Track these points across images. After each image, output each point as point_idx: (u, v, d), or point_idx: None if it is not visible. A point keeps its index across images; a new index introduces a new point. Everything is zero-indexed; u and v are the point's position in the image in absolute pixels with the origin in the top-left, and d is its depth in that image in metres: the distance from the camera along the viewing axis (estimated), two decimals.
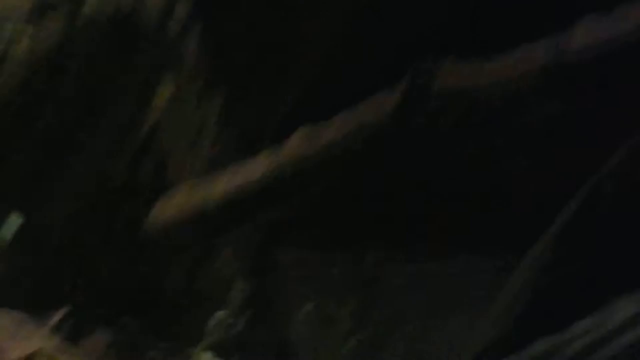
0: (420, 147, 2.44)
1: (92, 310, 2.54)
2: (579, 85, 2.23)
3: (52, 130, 2.35)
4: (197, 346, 2.62)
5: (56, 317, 2.48)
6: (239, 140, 2.62)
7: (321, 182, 2.48)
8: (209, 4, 2.57)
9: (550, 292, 2.22)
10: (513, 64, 2.36)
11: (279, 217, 2.52)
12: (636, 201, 2.16)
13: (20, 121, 2.33)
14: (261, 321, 2.79)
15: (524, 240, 2.32)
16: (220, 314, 2.73)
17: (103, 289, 2.56)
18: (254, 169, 2.46)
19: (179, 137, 2.54)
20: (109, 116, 2.39)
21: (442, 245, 2.88)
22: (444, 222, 2.86)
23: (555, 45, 2.23)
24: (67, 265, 2.49)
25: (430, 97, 2.37)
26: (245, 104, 2.61)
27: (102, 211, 2.46)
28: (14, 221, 2.43)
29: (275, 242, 2.81)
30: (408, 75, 2.40)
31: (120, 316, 2.57)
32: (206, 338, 2.66)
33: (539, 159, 2.85)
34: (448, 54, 2.40)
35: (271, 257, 2.83)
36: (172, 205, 2.47)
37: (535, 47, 2.33)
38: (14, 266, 2.47)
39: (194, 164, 2.55)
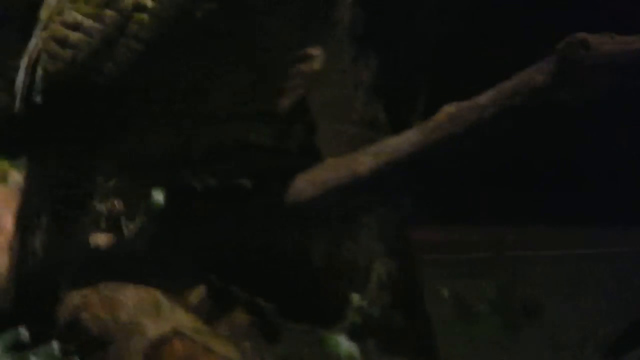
0: (569, 124, 2.41)
1: (229, 290, 2.52)
2: None
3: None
4: (333, 329, 2.59)
5: (194, 296, 2.45)
6: (386, 114, 2.59)
7: (467, 160, 2.43)
8: None
9: None
10: None
11: (420, 195, 2.48)
12: None
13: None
14: (398, 305, 2.75)
15: None
16: (356, 298, 2.69)
17: (241, 269, 2.54)
18: (401, 145, 2.42)
19: (328, 108, 2.52)
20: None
21: (577, 227, 2.86)
22: (580, 205, 2.83)
23: None
24: (205, 242, 2.47)
25: (583, 69, 2.33)
26: (392, 77, 2.58)
27: (244, 186, 2.44)
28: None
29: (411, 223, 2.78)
30: (559, 48, 2.35)
31: (258, 297, 2.55)
32: (342, 321, 2.62)
33: None
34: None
35: (408, 240, 2.80)
36: (317, 180, 2.44)
37: None
38: (156, 242, 2.47)
39: (341, 136, 2.53)
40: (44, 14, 2.46)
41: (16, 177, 2.67)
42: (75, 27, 2.38)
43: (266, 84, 2.49)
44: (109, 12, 2.37)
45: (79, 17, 2.38)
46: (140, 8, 2.36)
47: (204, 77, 2.41)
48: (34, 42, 2.43)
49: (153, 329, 2.30)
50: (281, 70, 2.50)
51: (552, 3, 3.48)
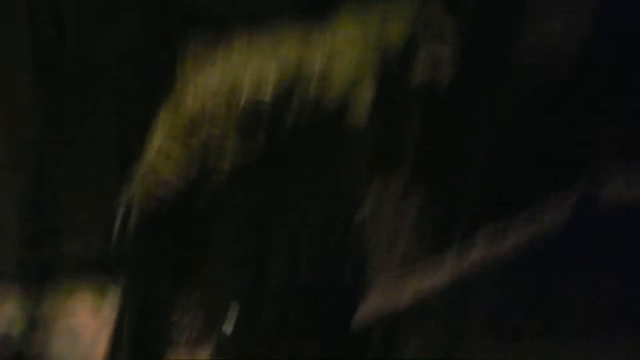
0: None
1: None
2: None
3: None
4: None
5: None
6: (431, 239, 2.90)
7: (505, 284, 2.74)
8: None
9: None
10: None
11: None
12: None
13: None
14: None
15: None
16: None
17: None
18: (442, 269, 2.73)
19: (380, 234, 2.83)
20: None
21: None
22: None
23: None
24: None
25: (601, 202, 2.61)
26: (438, 205, 2.89)
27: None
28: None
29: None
30: (583, 178, 2.65)
31: None
32: None
33: None
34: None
35: None
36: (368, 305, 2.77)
37: None
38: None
39: (390, 261, 2.84)
40: (141, 166, 2.82)
41: (112, 293, 3.02)
42: (164, 184, 2.74)
43: (331, 221, 2.81)
44: (192, 171, 2.73)
45: (167, 175, 2.74)
46: (221, 159, 2.71)
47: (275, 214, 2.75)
48: (132, 186, 2.79)
49: None
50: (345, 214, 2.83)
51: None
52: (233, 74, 2.79)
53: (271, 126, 2.72)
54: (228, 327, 2.82)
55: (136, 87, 2.81)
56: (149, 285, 2.74)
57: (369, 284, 2.83)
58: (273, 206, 2.74)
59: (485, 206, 3.00)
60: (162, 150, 2.76)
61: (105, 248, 2.86)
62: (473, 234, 2.77)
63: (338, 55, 2.81)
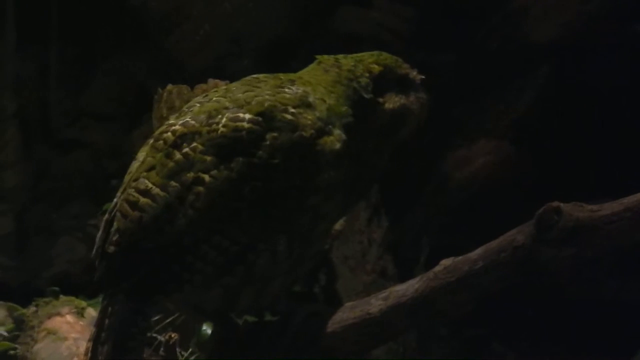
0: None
1: None
2: None
3: None
4: None
5: None
6: (394, 264, 3.09)
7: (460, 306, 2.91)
8: None
9: None
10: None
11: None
12: None
13: None
14: None
15: None
16: None
17: None
18: (407, 292, 2.91)
19: (347, 259, 3.01)
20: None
21: None
22: None
23: None
24: None
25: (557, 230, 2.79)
26: (401, 233, 3.09)
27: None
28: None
29: None
30: (538, 213, 2.83)
31: None
32: None
33: None
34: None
35: None
36: (336, 319, 2.93)
37: None
38: None
39: (357, 283, 3.02)
40: (125, 178, 2.97)
41: (92, 313, 3.16)
42: (145, 193, 2.86)
43: (303, 250, 2.95)
44: (173, 183, 2.85)
45: (149, 185, 2.86)
46: (199, 182, 2.83)
47: (247, 241, 2.86)
48: (114, 202, 2.94)
49: None
50: (317, 239, 2.99)
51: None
52: (213, 102, 2.96)
53: (247, 153, 2.86)
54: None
55: None
56: (128, 301, 2.84)
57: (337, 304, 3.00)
58: (248, 228, 2.86)
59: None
60: (145, 162, 2.92)
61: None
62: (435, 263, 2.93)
63: (312, 86, 2.99)
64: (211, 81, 3.61)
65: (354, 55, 3.09)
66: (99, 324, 2.87)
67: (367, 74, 3.03)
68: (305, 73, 3.09)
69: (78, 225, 4.71)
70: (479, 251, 2.90)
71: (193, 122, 2.92)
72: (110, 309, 2.86)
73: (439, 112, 3.16)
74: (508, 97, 4.52)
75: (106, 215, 2.95)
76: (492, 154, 4.42)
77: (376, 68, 3.06)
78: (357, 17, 4.76)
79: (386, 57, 3.10)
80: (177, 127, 2.93)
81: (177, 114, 3.04)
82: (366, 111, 3.01)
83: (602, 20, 4.47)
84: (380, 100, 3.04)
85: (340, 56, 3.10)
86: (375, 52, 3.11)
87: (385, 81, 3.06)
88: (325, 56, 3.11)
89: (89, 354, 2.85)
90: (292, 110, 2.91)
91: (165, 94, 3.65)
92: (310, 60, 3.10)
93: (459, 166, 4.20)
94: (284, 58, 4.35)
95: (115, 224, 2.89)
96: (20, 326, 3.57)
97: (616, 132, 4.38)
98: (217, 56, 4.68)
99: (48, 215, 4.89)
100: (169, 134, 2.93)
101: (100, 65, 5.09)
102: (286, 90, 2.95)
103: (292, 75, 3.06)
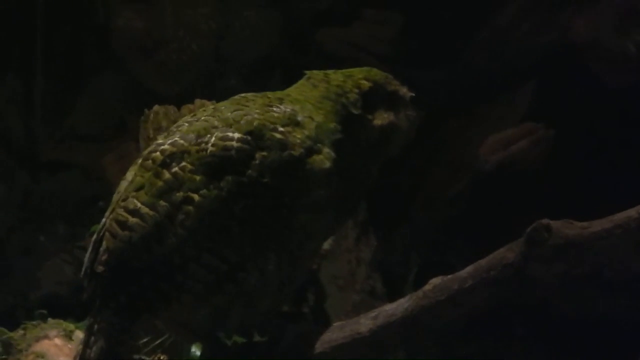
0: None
1: None
2: None
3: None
4: None
5: None
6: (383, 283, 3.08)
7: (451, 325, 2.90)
8: None
9: None
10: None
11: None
12: None
13: None
14: None
15: None
16: None
17: None
18: (396, 311, 2.90)
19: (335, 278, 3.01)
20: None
21: None
22: None
23: None
24: None
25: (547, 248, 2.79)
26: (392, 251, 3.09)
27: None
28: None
29: None
30: (527, 231, 2.83)
31: None
32: None
33: None
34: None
35: None
36: (325, 339, 2.92)
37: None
38: None
39: (346, 303, 3.01)
40: (114, 197, 2.96)
41: (80, 335, 3.14)
42: (134, 212, 2.85)
43: (293, 267, 2.94)
44: (162, 203, 2.84)
45: (138, 205, 2.85)
46: (188, 201, 2.82)
47: (237, 260, 2.85)
48: (103, 222, 2.93)
49: None
50: (306, 258, 2.98)
51: None
52: (201, 122, 2.96)
53: (236, 172, 2.85)
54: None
55: None
56: (116, 320, 2.83)
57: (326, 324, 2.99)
58: (238, 247, 2.85)
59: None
60: (134, 181, 2.90)
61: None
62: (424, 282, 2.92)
63: (300, 103, 2.98)
64: (198, 101, 3.61)
65: (344, 70, 3.09)
66: (85, 342, 2.86)
67: (357, 90, 3.03)
68: (293, 90, 3.09)
69: (65, 247, 4.70)
70: (468, 269, 2.89)
71: (182, 141, 2.91)
72: (96, 326, 2.85)
73: (427, 129, 3.14)
74: (495, 113, 4.54)
75: (95, 235, 2.94)
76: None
77: (365, 84, 3.05)
78: (336, 39, 4.78)
79: (376, 73, 3.10)
80: (166, 146, 2.92)
81: (165, 133, 3.04)
82: (355, 127, 3.01)
83: (589, 34, 4.49)
84: (369, 116, 3.03)
85: (330, 72, 3.10)
86: (366, 68, 3.11)
87: (374, 97, 3.06)
88: (315, 71, 3.10)
89: None
90: (281, 129, 2.90)
91: (151, 115, 3.65)
92: (297, 78, 3.09)
93: (448, 183, 4.21)
94: (269, 77, 4.35)
95: (104, 243, 2.89)
96: (8, 350, 3.54)
97: (605, 145, 4.39)
98: (202, 75, 4.68)
99: (35, 238, 4.87)
100: (158, 153, 2.92)
101: (84, 87, 5.09)
102: (274, 109, 2.95)
103: (279, 94, 3.06)
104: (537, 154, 4.40)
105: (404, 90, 3.10)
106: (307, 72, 3.12)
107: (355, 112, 3.01)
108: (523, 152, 4.40)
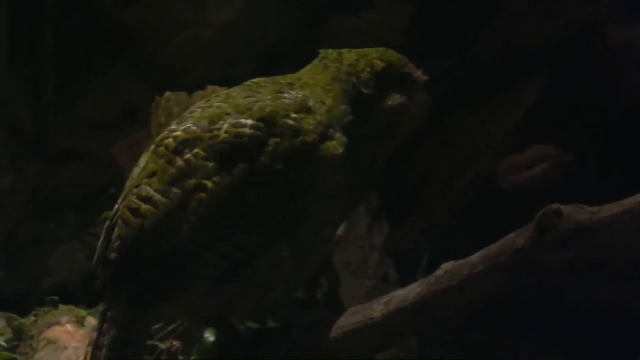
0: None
1: None
2: None
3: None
4: None
5: None
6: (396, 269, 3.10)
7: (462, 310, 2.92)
8: None
9: None
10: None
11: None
12: None
13: None
14: None
15: None
16: None
17: None
18: (408, 296, 2.91)
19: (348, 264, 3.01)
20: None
21: None
22: None
23: None
24: None
25: (556, 234, 2.79)
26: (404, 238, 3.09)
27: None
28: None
29: None
30: (538, 216, 2.83)
31: None
32: None
33: None
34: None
35: None
36: (338, 324, 2.93)
37: None
38: None
39: (359, 289, 3.02)
40: (127, 184, 2.96)
41: (92, 321, 3.16)
42: (146, 199, 2.85)
43: (306, 254, 2.94)
44: (174, 190, 2.83)
45: (151, 191, 2.85)
46: (201, 188, 2.82)
47: (249, 247, 2.84)
48: (115, 209, 2.93)
49: None
50: (320, 244, 2.98)
51: None
52: (214, 108, 2.96)
53: (249, 159, 2.85)
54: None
55: None
56: (128, 307, 2.83)
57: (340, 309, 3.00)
58: (251, 234, 2.85)
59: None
60: (147, 168, 2.91)
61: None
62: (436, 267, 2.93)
63: (310, 88, 2.98)
64: (209, 87, 3.61)
65: (359, 50, 3.08)
66: (99, 329, 2.85)
67: (369, 69, 3.02)
68: (304, 72, 3.09)
69: (76, 234, 4.71)
70: (479, 254, 2.90)
71: (194, 127, 2.91)
72: (109, 314, 2.84)
73: (438, 117, 3.15)
74: (506, 102, 4.54)
75: (107, 222, 2.94)
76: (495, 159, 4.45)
77: (379, 64, 3.04)
78: (346, 28, 4.78)
79: (391, 54, 3.09)
80: (178, 132, 2.93)
81: (178, 119, 3.04)
82: (365, 107, 3.00)
83: (600, 24, 4.48)
84: (380, 96, 3.03)
85: (344, 50, 3.09)
86: (381, 48, 3.10)
87: (387, 78, 3.05)
88: (330, 50, 3.09)
89: (88, 359, 2.83)
90: (294, 115, 2.90)
91: (163, 101, 3.65)
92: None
93: (457, 173, 4.21)
94: (281, 64, 4.35)
95: (116, 230, 2.88)
96: (19, 336, 3.56)
97: (616, 136, 4.39)
98: (216, 63, 4.69)
99: (45, 226, 4.88)
100: (170, 139, 2.92)
101: (96, 75, 5.09)
102: (285, 95, 2.95)
103: (290, 78, 3.06)
104: (555, 178, 4.39)
105: (418, 74, 3.09)
106: (321, 51, 3.11)
107: (365, 91, 3.00)
108: (541, 176, 4.39)
